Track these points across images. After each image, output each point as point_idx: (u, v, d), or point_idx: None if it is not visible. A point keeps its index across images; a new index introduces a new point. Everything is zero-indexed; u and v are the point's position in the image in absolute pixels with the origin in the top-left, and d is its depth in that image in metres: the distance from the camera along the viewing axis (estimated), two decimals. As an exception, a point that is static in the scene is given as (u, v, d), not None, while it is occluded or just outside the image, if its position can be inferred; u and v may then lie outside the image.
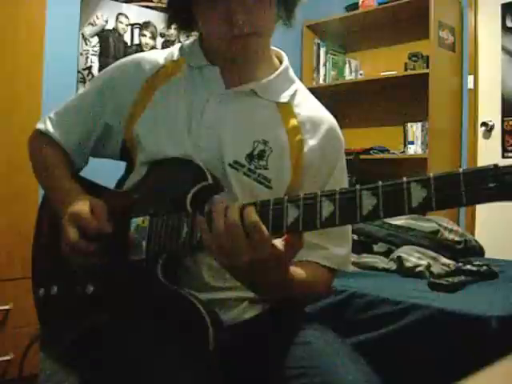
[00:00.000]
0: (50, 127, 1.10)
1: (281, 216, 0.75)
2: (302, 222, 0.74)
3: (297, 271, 0.90)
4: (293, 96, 1.05)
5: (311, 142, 1.01)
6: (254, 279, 0.82)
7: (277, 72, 1.05)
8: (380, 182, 0.69)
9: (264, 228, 0.75)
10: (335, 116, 1.08)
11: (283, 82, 1.05)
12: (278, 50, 1.11)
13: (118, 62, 1.10)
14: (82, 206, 0.95)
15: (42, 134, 1.11)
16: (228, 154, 0.97)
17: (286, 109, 1.03)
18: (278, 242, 0.78)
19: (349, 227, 1.05)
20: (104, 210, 0.95)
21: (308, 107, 1.05)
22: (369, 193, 0.69)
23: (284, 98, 1.03)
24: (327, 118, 1.06)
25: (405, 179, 0.67)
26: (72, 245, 0.92)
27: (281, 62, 1.08)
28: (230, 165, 0.97)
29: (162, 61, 1.06)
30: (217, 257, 0.80)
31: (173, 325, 0.85)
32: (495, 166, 0.61)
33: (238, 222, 0.75)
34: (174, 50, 1.08)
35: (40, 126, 1.11)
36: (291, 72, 1.08)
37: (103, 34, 2.97)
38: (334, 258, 1.01)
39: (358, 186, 0.70)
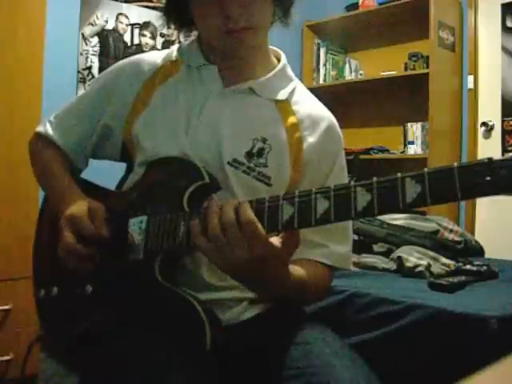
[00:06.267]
0: (49, 130, 1.10)
1: (276, 213, 0.75)
2: (298, 219, 0.74)
3: (296, 270, 0.90)
4: (291, 94, 1.05)
5: (310, 140, 1.01)
6: (252, 278, 0.81)
7: (275, 70, 1.05)
8: (375, 178, 0.69)
9: (259, 225, 0.75)
10: (335, 116, 1.08)
11: (281, 80, 1.05)
12: (277, 49, 1.11)
13: (116, 64, 1.11)
14: (80, 209, 0.95)
15: (41, 137, 1.12)
16: (227, 152, 0.97)
17: (285, 106, 1.03)
18: (275, 240, 0.79)
19: (349, 225, 1.05)
20: (101, 213, 0.95)
21: (307, 105, 1.05)
22: (363, 189, 0.69)
23: (282, 95, 1.03)
24: (326, 116, 1.06)
25: (399, 175, 0.67)
26: (67, 248, 0.92)
27: (279, 61, 1.08)
28: (229, 163, 0.96)
29: (160, 61, 1.06)
30: (214, 259, 0.79)
31: (170, 324, 0.85)
32: (490, 159, 0.60)
33: (233, 220, 0.75)
34: (173, 51, 1.08)
35: (40, 128, 1.12)
36: (289, 70, 1.08)
37: (103, 34, 2.97)
38: (334, 256, 1.01)
39: (352, 183, 0.70)
